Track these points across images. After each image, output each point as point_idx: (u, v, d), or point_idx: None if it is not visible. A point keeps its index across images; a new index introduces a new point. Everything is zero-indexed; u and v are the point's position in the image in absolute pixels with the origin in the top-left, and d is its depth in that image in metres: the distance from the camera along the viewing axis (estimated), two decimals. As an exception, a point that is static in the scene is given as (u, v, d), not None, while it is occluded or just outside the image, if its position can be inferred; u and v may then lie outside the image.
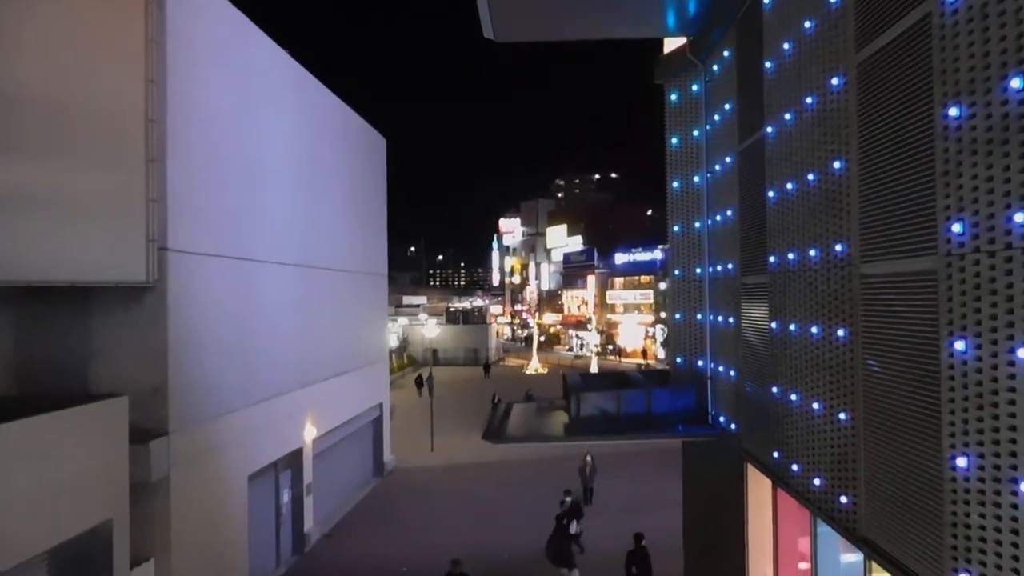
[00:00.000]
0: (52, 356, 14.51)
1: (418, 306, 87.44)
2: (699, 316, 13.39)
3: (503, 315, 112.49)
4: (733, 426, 11.68)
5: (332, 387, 24.38)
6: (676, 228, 13.69)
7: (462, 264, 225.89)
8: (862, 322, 6.96)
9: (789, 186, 8.65)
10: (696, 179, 13.27)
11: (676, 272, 13.79)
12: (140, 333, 14.69)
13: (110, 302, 14.61)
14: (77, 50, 13.66)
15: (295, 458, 21.64)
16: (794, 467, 8.80)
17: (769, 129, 9.33)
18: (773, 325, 9.41)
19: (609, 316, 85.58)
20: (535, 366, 68.01)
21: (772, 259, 9.37)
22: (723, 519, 12.25)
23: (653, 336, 76.84)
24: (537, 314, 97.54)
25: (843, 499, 7.44)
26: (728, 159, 11.57)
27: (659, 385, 13.79)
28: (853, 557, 7.76)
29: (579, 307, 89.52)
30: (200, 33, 15.94)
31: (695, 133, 13.23)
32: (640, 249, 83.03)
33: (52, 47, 13.50)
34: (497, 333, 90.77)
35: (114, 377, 14.45)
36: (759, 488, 11.01)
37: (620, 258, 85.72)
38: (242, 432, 17.72)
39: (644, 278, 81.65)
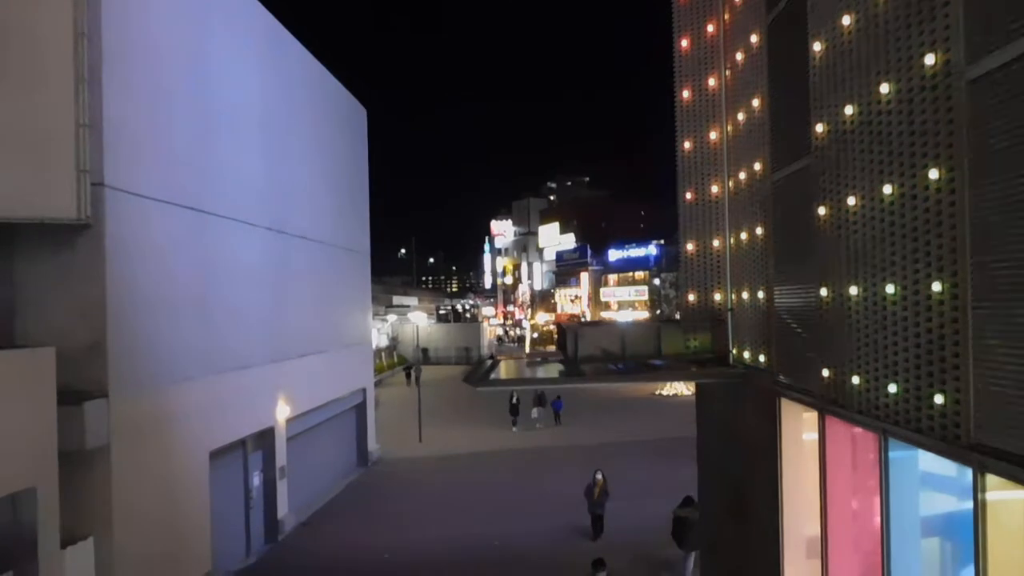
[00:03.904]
0: (-30, 308, 12.61)
1: (408, 306, 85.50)
2: (716, 242, 11.56)
3: (496, 316, 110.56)
4: (762, 358, 9.85)
5: (308, 365, 22.48)
6: (687, 144, 11.87)
7: (454, 268, 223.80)
8: (972, 148, 5.15)
9: (846, 21, 6.84)
10: (712, 82, 11.46)
11: (688, 195, 11.95)
12: (73, 282, 12.85)
13: (37, 245, 12.74)
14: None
15: (266, 438, 19.75)
16: (855, 380, 6.96)
17: (814, -36, 7.54)
18: (820, 211, 7.58)
19: (603, 313, 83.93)
20: (528, 363, 66.26)
21: (819, 128, 7.56)
22: (750, 474, 10.39)
23: (649, 332, 75.12)
24: (529, 312, 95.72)
25: (938, 399, 5.61)
26: (752, 40, 9.77)
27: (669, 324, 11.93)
28: (948, 477, 5.96)
29: (573, 300, 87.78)
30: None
31: (709, 28, 11.44)
32: (634, 245, 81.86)
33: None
34: (497, 337, 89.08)
35: (45, 332, 12.56)
36: (796, 428, 9.19)
37: (614, 254, 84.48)
38: (202, 404, 15.84)
39: (639, 274, 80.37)
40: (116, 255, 13.05)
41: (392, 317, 71.12)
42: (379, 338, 57.66)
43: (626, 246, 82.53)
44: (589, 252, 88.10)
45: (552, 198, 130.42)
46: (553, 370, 12.08)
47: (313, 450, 23.55)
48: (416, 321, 53.70)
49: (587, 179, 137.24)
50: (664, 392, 44.89)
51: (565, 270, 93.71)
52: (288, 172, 21.89)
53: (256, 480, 19.35)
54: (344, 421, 27.63)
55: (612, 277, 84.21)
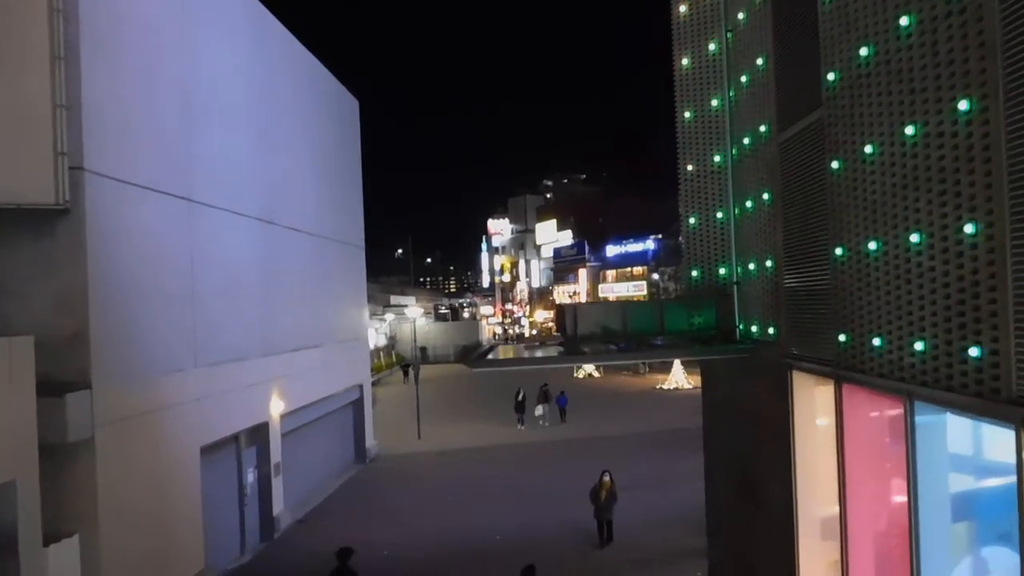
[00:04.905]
0: (-53, 298, 12.13)
1: (406, 306, 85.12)
2: (720, 214, 11.11)
3: (494, 315, 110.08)
4: (771, 330, 9.40)
5: (302, 360, 21.98)
6: (687, 114, 11.42)
7: (451, 268, 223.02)
8: (1007, 72, 4.69)
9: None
10: (712, 47, 11.01)
11: (689, 167, 11.49)
12: (54, 269, 12.31)
13: (16, 231, 12.23)
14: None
15: (260, 434, 19.25)
16: (875, 342, 6.51)
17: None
18: (834, 165, 7.14)
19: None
20: (528, 359, 65.88)
21: (830, 76, 7.11)
22: (760, 453, 9.95)
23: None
24: (528, 310, 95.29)
25: (972, 352, 5.15)
26: (755, -3, 9.35)
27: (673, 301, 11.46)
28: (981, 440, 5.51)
29: (571, 297, 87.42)
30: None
31: (708, -9, 11.01)
32: (632, 240, 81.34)
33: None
34: (493, 334, 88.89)
35: (25, 321, 12.02)
36: (809, 401, 8.73)
37: (612, 250, 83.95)
38: (192, 397, 15.34)
39: (637, 270, 79.90)
40: (98, 241, 12.56)
41: (390, 316, 70.76)
42: (377, 337, 57.25)
43: (624, 241, 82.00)
44: (587, 248, 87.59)
45: (548, 195, 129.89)
46: (552, 351, 11.64)
47: (309, 446, 23.08)
48: (410, 313, 53.35)
49: (583, 176, 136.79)
50: (665, 386, 44.56)
51: (563, 267, 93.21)
52: (278, 161, 21.41)
53: (251, 476, 18.86)
54: (341, 417, 27.16)
55: (610, 273, 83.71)
